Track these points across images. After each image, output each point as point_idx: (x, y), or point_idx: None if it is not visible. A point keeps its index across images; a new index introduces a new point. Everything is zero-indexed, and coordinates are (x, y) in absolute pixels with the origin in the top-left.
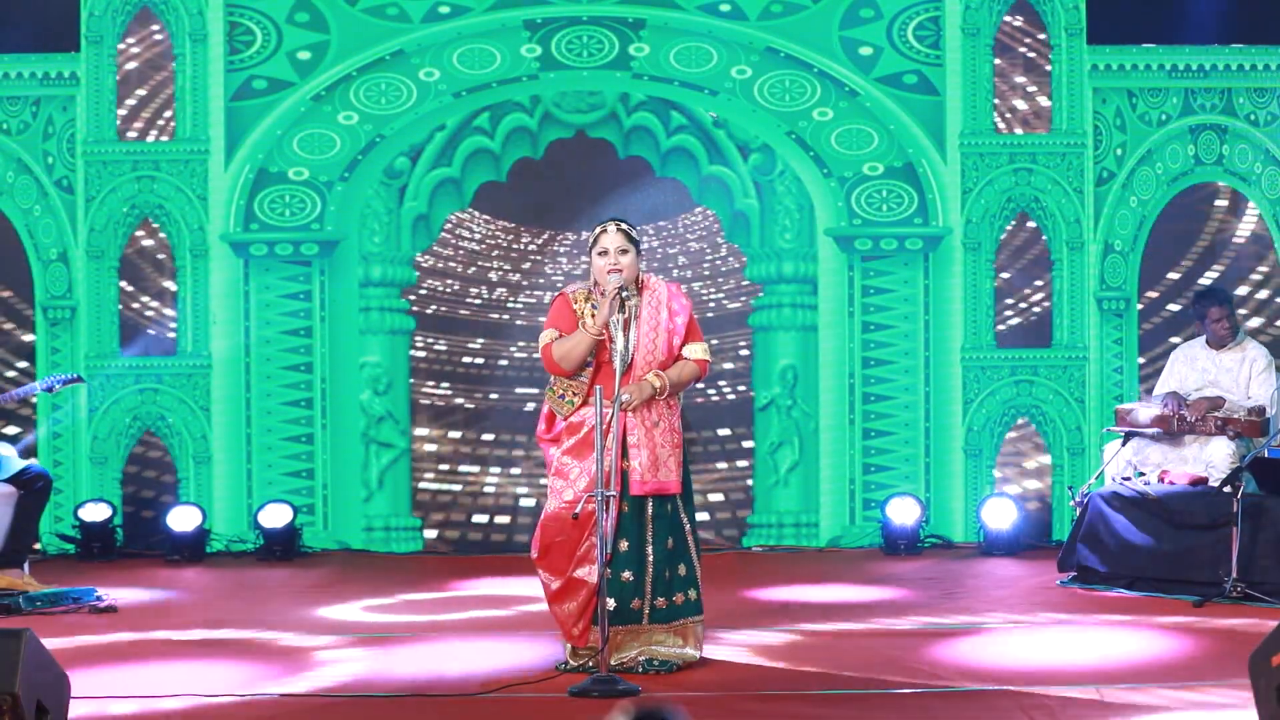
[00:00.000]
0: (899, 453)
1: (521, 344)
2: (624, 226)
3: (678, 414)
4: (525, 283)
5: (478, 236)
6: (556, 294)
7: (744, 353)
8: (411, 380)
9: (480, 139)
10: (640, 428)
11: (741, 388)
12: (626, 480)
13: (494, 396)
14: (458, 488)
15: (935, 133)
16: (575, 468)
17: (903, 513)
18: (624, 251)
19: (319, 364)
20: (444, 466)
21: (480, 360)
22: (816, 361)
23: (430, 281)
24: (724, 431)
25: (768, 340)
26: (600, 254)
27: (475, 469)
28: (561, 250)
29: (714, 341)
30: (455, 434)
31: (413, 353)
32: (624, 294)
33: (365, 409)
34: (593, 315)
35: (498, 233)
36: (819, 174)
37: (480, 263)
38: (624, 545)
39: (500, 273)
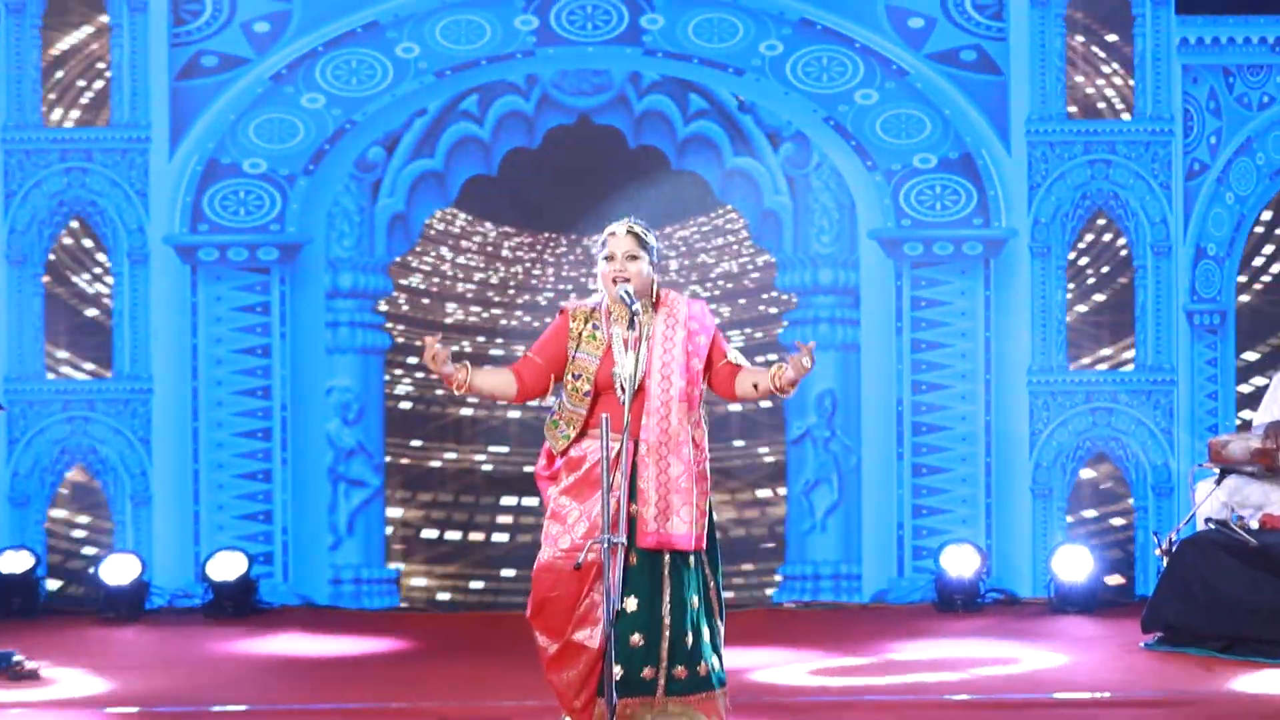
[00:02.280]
0: (955, 492)
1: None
2: (636, 228)
3: (703, 455)
4: (518, 295)
5: (466, 238)
6: (559, 310)
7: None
8: (388, 404)
9: (467, 126)
10: (651, 468)
11: (771, 417)
12: (635, 528)
13: (485, 418)
14: (437, 520)
15: (998, 118)
16: (574, 510)
17: (960, 563)
18: (633, 257)
19: (279, 388)
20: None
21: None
22: (859, 386)
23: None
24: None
25: None
26: (607, 258)
27: (463, 513)
28: (560, 257)
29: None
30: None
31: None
32: (634, 307)
33: (333, 441)
34: (592, 338)
35: (487, 236)
36: (862, 167)
37: (467, 270)
38: (632, 604)
39: (489, 283)
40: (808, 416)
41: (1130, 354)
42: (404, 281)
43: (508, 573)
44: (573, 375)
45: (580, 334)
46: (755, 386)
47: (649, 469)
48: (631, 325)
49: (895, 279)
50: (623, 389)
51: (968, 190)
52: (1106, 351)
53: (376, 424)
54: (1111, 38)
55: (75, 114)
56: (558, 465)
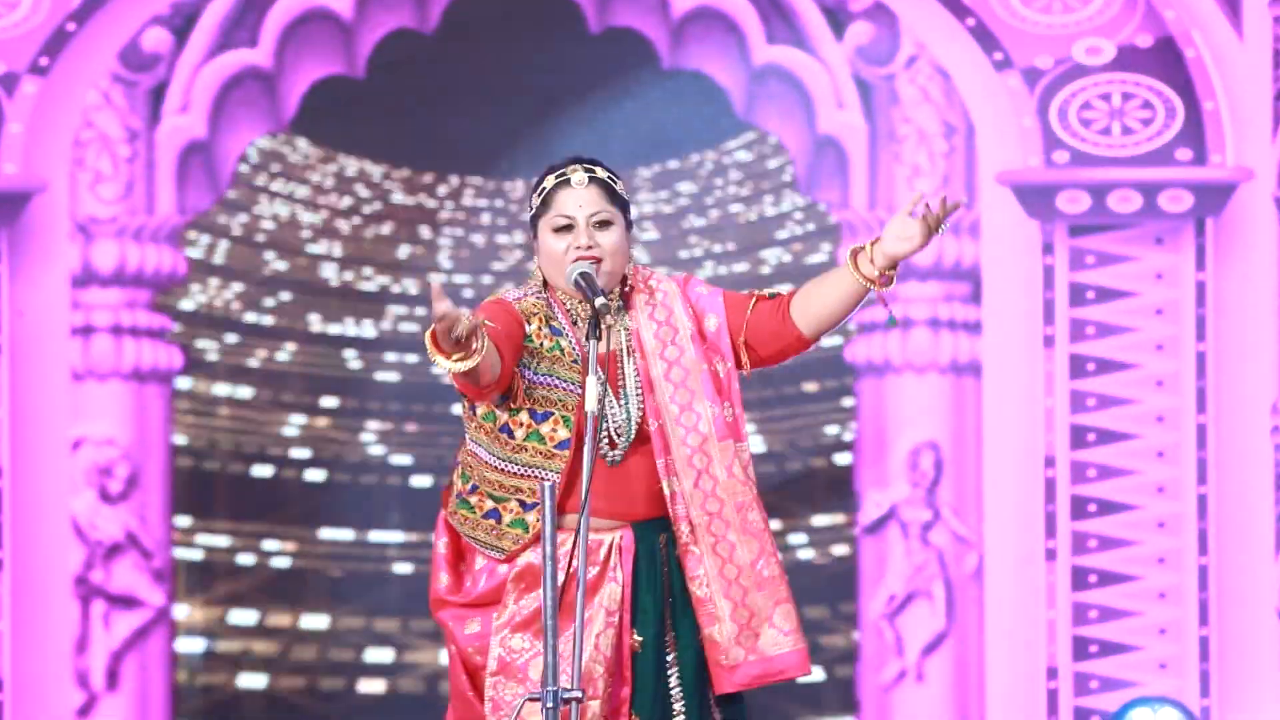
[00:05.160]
0: (1148, 616)
1: (392, 405)
2: (601, 173)
3: (763, 534)
4: (398, 279)
5: (311, 182)
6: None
7: (837, 415)
8: (178, 465)
9: None
10: (707, 558)
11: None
12: (646, 666)
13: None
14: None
15: None
16: (539, 657)
17: None
18: (604, 223)
19: None
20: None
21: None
22: (979, 435)
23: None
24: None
25: (883, 392)
26: (559, 229)
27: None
28: (470, 214)
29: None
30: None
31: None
32: (599, 302)
33: (83, 530)
34: (558, 351)
35: (349, 179)
36: (986, 63)
37: (316, 237)
38: None
39: (352, 259)
40: (893, 486)
41: None
42: (205, 257)
43: None
44: (531, 414)
45: (540, 343)
46: (831, 296)
47: (704, 561)
48: (594, 332)
49: (1043, 253)
50: (611, 439)
51: (1168, 102)
52: None
53: (158, 500)
54: None
55: None
56: (483, 586)
